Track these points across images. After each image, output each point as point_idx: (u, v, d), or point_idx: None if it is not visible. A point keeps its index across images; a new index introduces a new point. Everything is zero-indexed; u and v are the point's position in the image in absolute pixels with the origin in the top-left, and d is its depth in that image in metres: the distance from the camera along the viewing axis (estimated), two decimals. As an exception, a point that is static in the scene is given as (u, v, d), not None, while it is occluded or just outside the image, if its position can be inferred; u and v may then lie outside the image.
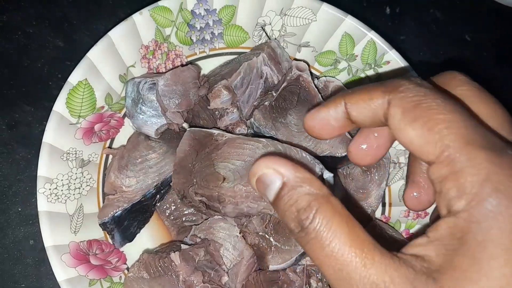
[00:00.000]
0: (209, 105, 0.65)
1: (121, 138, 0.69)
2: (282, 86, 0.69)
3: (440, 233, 0.32)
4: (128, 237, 0.64)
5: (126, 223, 0.63)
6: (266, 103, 0.68)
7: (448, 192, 0.32)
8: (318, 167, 0.56)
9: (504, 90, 0.86)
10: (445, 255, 0.31)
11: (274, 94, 0.69)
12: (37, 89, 0.77)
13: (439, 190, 0.33)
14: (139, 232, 0.66)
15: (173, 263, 0.57)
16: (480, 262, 0.30)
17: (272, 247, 0.60)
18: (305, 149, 0.62)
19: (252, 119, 0.68)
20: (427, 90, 0.35)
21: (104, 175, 0.67)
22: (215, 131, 0.62)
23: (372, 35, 0.69)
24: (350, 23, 0.69)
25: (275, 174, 0.36)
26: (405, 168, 0.71)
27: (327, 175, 0.57)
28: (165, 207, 0.68)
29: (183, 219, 0.68)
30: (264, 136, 0.65)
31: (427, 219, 0.67)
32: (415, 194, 0.45)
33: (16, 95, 0.77)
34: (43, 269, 0.70)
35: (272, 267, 0.60)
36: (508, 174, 0.30)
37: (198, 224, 0.65)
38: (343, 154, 0.65)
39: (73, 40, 0.81)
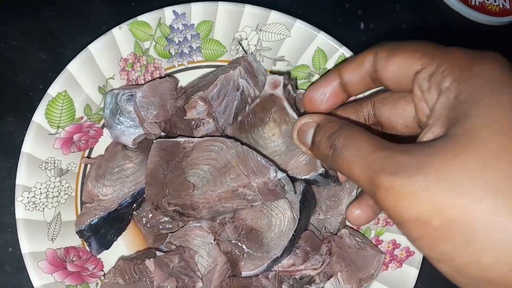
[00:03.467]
0: (186, 116, 0.67)
1: (100, 148, 0.71)
2: (256, 102, 0.70)
3: (437, 113, 0.39)
4: (105, 244, 0.66)
5: (102, 231, 0.64)
6: (239, 118, 0.70)
7: (436, 77, 0.40)
8: (272, 169, 0.59)
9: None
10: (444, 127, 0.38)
11: (247, 109, 0.70)
12: (19, 100, 0.79)
13: (426, 88, 0.41)
14: (116, 240, 0.67)
15: (147, 269, 0.59)
16: (472, 127, 0.35)
17: (245, 254, 0.62)
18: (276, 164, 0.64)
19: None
20: (404, 41, 0.46)
21: (83, 184, 0.68)
22: (181, 139, 0.64)
23: (344, 50, 0.72)
24: (323, 39, 0.72)
25: (310, 121, 0.52)
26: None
27: (280, 175, 0.59)
28: (142, 215, 0.69)
29: (160, 227, 0.69)
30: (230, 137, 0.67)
31: (395, 227, 0.70)
32: (356, 211, 0.57)
33: (-1, 105, 0.78)
34: (21, 276, 0.71)
35: (244, 273, 0.62)
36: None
37: (174, 232, 0.67)
38: (303, 177, 0.65)
39: (56, 53, 0.83)
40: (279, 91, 0.68)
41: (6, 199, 0.73)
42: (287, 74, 0.74)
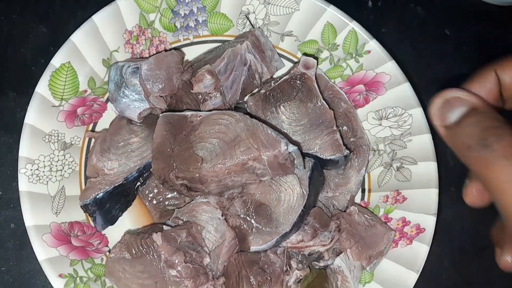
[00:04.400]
0: (192, 89, 0.66)
1: (104, 123, 0.69)
2: (284, 78, 0.69)
3: None
4: (110, 220, 0.65)
5: (108, 206, 0.63)
6: (262, 91, 0.69)
7: None
8: (283, 142, 0.57)
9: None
10: None
11: (273, 83, 0.69)
12: (20, 75, 0.77)
13: None
14: (121, 216, 0.66)
15: (155, 244, 0.57)
16: None
17: (253, 229, 0.61)
18: (290, 139, 0.64)
19: (245, 104, 0.69)
20: None
21: (87, 159, 0.67)
22: (188, 113, 0.63)
23: (354, 25, 0.70)
24: (332, 13, 0.70)
25: (466, 99, 0.42)
26: (384, 155, 0.72)
27: (291, 148, 0.58)
28: (147, 191, 0.68)
29: (166, 203, 0.68)
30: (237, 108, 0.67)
31: (405, 204, 0.69)
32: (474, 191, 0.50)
33: (-1, 80, 0.76)
34: (24, 252, 0.70)
35: (253, 248, 0.60)
36: None
37: (181, 208, 0.65)
38: (328, 157, 0.66)
39: (57, 27, 0.81)
40: (311, 72, 0.68)
41: (8, 174, 0.72)
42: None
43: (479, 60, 0.91)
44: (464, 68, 0.89)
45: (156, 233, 0.58)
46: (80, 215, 0.64)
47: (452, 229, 0.83)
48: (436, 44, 0.93)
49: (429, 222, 0.66)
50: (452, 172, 0.84)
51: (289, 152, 0.59)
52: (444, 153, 0.75)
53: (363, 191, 0.73)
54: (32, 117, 0.60)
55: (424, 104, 0.70)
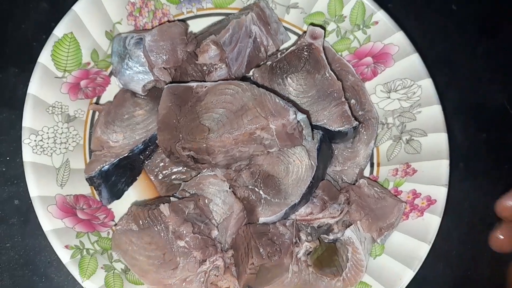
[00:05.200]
0: (197, 60, 0.64)
1: (107, 97, 0.68)
2: (290, 50, 0.68)
3: None
4: (116, 194, 0.63)
5: (113, 179, 0.62)
6: (268, 62, 0.68)
7: None
8: (292, 110, 0.56)
9: (486, 63, 0.87)
10: None
11: (279, 55, 0.68)
12: (21, 51, 0.76)
13: None
14: (127, 190, 0.65)
15: (162, 215, 0.56)
16: None
17: (262, 200, 0.60)
18: (298, 107, 0.62)
19: (252, 77, 0.68)
20: None
21: (91, 133, 0.66)
22: (194, 83, 0.61)
23: (361, -5, 0.69)
24: (339, -17, 0.69)
25: None
26: (393, 128, 0.71)
27: (300, 116, 0.57)
28: (153, 165, 0.67)
29: (172, 177, 0.67)
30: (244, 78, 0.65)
31: (415, 176, 0.68)
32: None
33: (0, 57, 0.75)
34: (28, 228, 0.69)
35: (262, 219, 0.59)
36: None
37: (187, 181, 0.64)
38: (337, 129, 0.65)
39: (58, 3, 0.79)
40: (319, 42, 0.67)
41: (11, 150, 0.71)
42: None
43: (482, 37, 0.89)
44: (468, 46, 0.88)
45: (164, 204, 0.57)
46: (85, 189, 0.63)
47: (460, 205, 0.82)
48: (442, 20, 0.91)
49: (441, 193, 0.64)
50: (460, 148, 0.83)
51: (298, 121, 0.57)
52: (452, 129, 0.74)
53: (371, 165, 0.72)
54: (35, 87, 0.59)
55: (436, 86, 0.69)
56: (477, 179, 0.83)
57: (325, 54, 0.69)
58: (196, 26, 0.73)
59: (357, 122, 0.65)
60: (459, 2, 0.91)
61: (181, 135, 0.60)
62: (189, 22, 0.73)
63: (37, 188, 0.57)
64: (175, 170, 0.67)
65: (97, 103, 0.67)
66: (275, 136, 0.58)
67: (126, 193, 0.65)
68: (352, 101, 0.72)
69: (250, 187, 0.60)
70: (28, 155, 0.57)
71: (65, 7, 0.77)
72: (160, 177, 0.67)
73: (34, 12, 0.78)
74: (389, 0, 0.89)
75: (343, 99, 0.66)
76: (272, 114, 0.57)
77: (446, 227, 0.67)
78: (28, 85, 0.60)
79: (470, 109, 0.85)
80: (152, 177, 0.67)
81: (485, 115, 0.86)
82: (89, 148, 0.65)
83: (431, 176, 0.66)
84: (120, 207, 0.65)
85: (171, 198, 0.59)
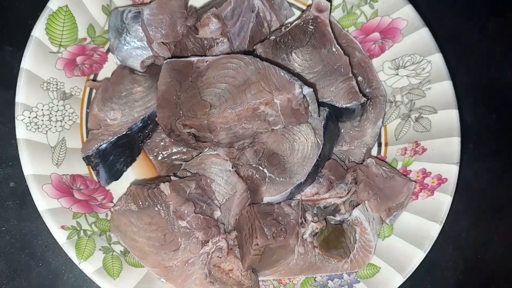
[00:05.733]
0: (198, 34, 0.62)
1: (105, 75, 0.66)
2: (295, 23, 0.65)
3: None
4: (115, 174, 0.61)
5: (111, 158, 0.59)
6: (271, 37, 0.65)
7: None
8: (297, 84, 0.54)
9: (496, 43, 0.84)
10: None
11: (283, 29, 0.65)
12: (16, 29, 0.73)
13: None
14: (125, 170, 0.63)
15: (163, 193, 0.54)
16: None
17: (266, 179, 0.58)
18: (304, 81, 0.60)
19: (255, 52, 0.65)
20: None
21: (88, 111, 0.63)
22: (194, 58, 0.59)
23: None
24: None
25: None
26: (402, 106, 0.69)
27: (307, 90, 0.54)
28: (153, 145, 0.65)
29: (172, 157, 0.65)
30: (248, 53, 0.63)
31: (424, 155, 0.65)
32: None
33: (-6, 35, 0.73)
34: (24, 211, 0.66)
35: (266, 199, 0.57)
36: None
37: (189, 161, 0.62)
38: (344, 106, 0.62)
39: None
40: (325, 15, 0.64)
41: (6, 131, 0.68)
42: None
43: (493, 17, 0.86)
44: (478, 26, 0.85)
45: (164, 183, 0.54)
46: (82, 169, 0.60)
47: (470, 188, 0.79)
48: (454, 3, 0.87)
49: (452, 172, 0.62)
50: (470, 129, 0.80)
51: (304, 96, 0.55)
52: (461, 110, 0.72)
53: (379, 145, 0.70)
54: (29, 62, 0.57)
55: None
56: (487, 161, 0.81)
57: (331, 28, 0.66)
58: (196, 2, 0.70)
59: (365, 99, 0.62)
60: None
61: (181, 112, 0.57)
62: (189, -1, 0.70)
63: (31, 166, 0.54)
64: (175, 150, 0.64)
65: (94, 80, 0.65)
66: (279, 112, 0.56)
67: (125, 174, 0.63)
68: (359, 78, 0.69)
69: (254, 165, 0.58)
70: (22, 132, 0.55)
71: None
72: (160, 158, 0.65)
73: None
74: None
75: (350, 75, 0.63)
76: (276, 88, 0.55)
77: (456, 210, 0.65)
78: (26, 45, 0.58)
79: (480, 88, 0.83)
80: (152, 158, 0.65)
81: (496, 94, 0.83)
82: (86, 127, 0.62)
83: (441, 154, 0.63)
84: (119, 188, 0.63)
85: (171, 177, 0.56)
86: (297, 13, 0.72)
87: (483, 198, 0.80)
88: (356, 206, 0.60)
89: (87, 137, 0.62)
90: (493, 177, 0.81)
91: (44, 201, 0.54)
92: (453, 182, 0.62)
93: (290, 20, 0.71)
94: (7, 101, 0.69)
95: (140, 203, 0.54)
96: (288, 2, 0.71)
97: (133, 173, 0.64)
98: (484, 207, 0.80)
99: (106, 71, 0.66)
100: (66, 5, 0.59)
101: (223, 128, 0.56)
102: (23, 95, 0.56)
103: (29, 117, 0.56)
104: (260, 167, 0.58)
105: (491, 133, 0.82)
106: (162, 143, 0.64)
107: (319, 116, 0.60)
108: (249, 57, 0.57)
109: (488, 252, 0.79)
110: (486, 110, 0.82)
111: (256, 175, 0.58)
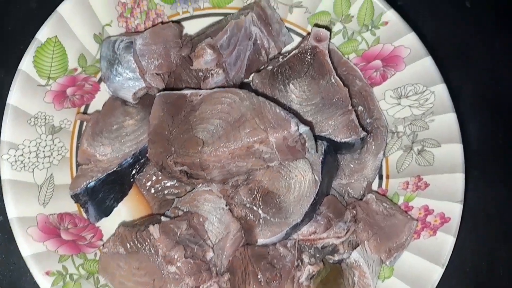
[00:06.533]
0: (192, 66, 0.59)
1: (97, 105, 0.64)
2: (293, 53, 0.63)
3: None
4: (104, 211, 0.59)
5: (101, 195, 0.57)
6: (269, 67, 0.63)
7: None
8: (293, 122, 0.51)
9: (504, 57, 0.82)
10: None
11: (281, 59, 0.63)
12: (8, 53, 0.72)
13: None
14: (116, 206, 0.61)
15: (151, 237, 0.52)
16: None
17: (261, 220, 0.55)
18: (301, 119, 0.58)
19: (251, 83, 0.63)
20: None
21: (78, 144, 0.61)
22: (188, 91, 0.57)
23: (370, -7, 0.64)
24: (346, -20, 0.63)
25: None
26: (404, 137, 0.66)
27: (303, 129, 0.52)
28: (145, 179, 0.62)
29: (165, 192, 0.62)
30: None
31: (427, 191, 0.63)
32: None
33: (-15, 60, 0.71)
34: (13, 247, 0.64)
35: (260, 241, 0.55)
36: None
37: (181, 197, 0.60)
38: (343, 140, 0.60)
39: (47, 2, 0.74)
40: (324, 45, 0.62)
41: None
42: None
43: (499, 32, 0.83)
44: (484, 41, 0.82)
45: (153, 225, 0.52)
46: (71, 206, 0.58)
47: (475, 215, 0.77)
48: (456, 14, 0.85)
49: (455, 211, 0.59)
50: (475, 155, 0.77)
51: (300, 134, 0.52)
52: (467, 134, 0.69)
53: (380, 177, 0.67)
54: (16, 97, 0.55)
55: (448, 81, 0.64)
56: (493, 186, 0.78)
57: (330, 58, 0.64)
58: (192, 27, 0.68)
59: (365, 133, 0.60)
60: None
61: (173, 148, 0.55)
62: (184, 23, 0.68)
63: (15, 208, 0.52)
64: (168, 184, 0.62)
65: (85, 112, 0.63)
66: (275, 150, 0.54)
67: (116, 208, 0.61)
68: (360, 108, 0.66)
69: (248, 205, 0.56)
70: (6, 172, 0.53)
71: (53, 7, 0.73)
72: (152, 191, 0.63)
73: (21, 10, 0.74)
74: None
75: (350, 107, 0.61)
76: (272, 125, 0.53)
77: (460, 239, 0.62)
78: (13, 79, 0.56)
79: (486, 107, 0.80)
80: (143, 191, 0.63)
81: (503, 113, 0.80)
82: (76, 160, 0.61)
83: (445, 191, 0.61)
84: (109, 224, 0.61)
85: (162, 218, 0.54)
86: (296, 38, 0.69)
87: (489, 226, 0.77)
88: (356, 247, 0.58)
89: (76, 171, 0.60)
90: (499, 204, 0.78)
91: (28, 246, 0.52)
92: (457, 222, 0.59)
93: (289, 47, 0.69)
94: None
95: (129, 246, 0.52)
96: (286, 27, 0.69)
97: (124, 208, 0.62)
98: (491, 236, 0.77)
99: (98, 101, 0.64)
100: (56, 36, 0.57)
101: (216, 166, 0.54)
102: (8, 132, 0.54)
103: (14, 156, 0.54)
104: (254, 207, 0.56)
105: (498, 155, 0.79)
106: (154, 177, 0.62)
107: (317, 152, 0.58)
108: (244, 92, 0.55)
109: (493, 281, 0.76)
110: (493, 131, 0.80)
111: (250, 216, 0.55)
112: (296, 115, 0.58)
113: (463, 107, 0.75)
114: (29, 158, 0.56)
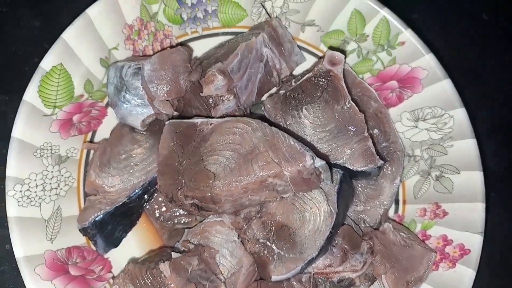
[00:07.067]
0: (202, 92, 0.57)
1: (104, 130, 0.62)
2: (306, 77, 0.61)
3: None
4: (113, 242, 0.58)
5: (109, 228, 0.56)
6: (281, 91, 0.61)
7: None
8: (309, 155, 0.49)
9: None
10: None
11: (293, 83, 0.61)
12: (11, 76, 0.70)
13: None
14: (125, 236, 0.59)
15: (162, 275, 0.50)
16: None
17: (275, 256, 0.53)
18: (314, 149, 0.55)
19: (263, 107, 0.61)
20: None
21: (85, 172, 0.59)
22: (198, 120, 0.55)
23: (385, 13, 0.61)
24: (361, -1, 0.61)
25: None
26: (421, 162, 0.64)
27: (319, 163, 0.50)
28: (154, 207, 0.61)
29: (175, 221, 0.61)
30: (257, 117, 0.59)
31: (446, 219, 0.60)
32: None
33: (-12, 83, 0.69)
34: (20, 277, 0.63)
35: (275, 277, 0.53)
36: None
37: (192, 227, 0.58)
38: (359, 169, 0.58)
39: (51, 20, 0.73)
40: (339, 69, 0.59)
41: (1, 189, 0.65)
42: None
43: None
44: (503, 56, 0.80)
45: (164, 262, 0.51)
46: (79, 238, 0.57)
47: (493, 239, 0.74)
48: (472, 29, 0.82)
49: (475, 242, 0.57)
50: (493, 176, 0.75)
51: (316, 167, 0.50)
52: (484, 155, 0.67)
53: (396, 202, 0.65)
54: (21, 129, 0.53)
55: (465, 101, 0.61)
56: (511, 208, 0.76)
57: (344, 78, 0.61)
58: (201, 47, 0.66)
59: (382, 162, 0.58)
60: (489, 9, 0.83)
61: (183, 181, 0.53)
62: (193, 43, 0.66)
63: (22, 247, 0.51)
64: (177, 213, 0.61)
65: (92, 138, 0.61)
66: (289, 182, 0.52)
67: (124, 238, 0.59)
68: (375, 131, 0.64)
69: (262, 240, 0.54)
70: (12, 209, 0.52)
71: (58, 25, 0.71)
72: (161, 220, 0.61)
73: (25, 30, 0.72)
74: (414, 10, 0.81)
75: (366, 134, 0.59)
76: (286, 159, 0.51)
77: (486, 269, 0.60)
78: (18, 111, 0.54)
79: (504, 127, 0.78)
80: (153, 220, 0.61)
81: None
82: (84, 190, 0.59)
83: (464, 221, 0.59)
84: (118, 254, 0.59)
85: (172, 253, 0.53)
86: (308, 57, 0.67)
87: (508, 250, 0.75)
88: (373, 281, 0.56)
89: (84, 201, 0.59)
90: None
91: (36, 286, 0.50)
92: (477, 254, 0.57)
93: (300, 66, 0.66)
94: (2, 155, 0.66)
95: (139, 284, 0.51)
96: (298, 46, 0.66)
97: (133, 237, 0.61)
98: (510, 261, 0.75)
99: (106, 126, 0.62)
100: (61, 63, 0.55)
101: (228, 200, 0.52)
102: (14, 167, 0.52)
103: (20, 191, 0.53)
104: (268, 242, 0.54)
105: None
106: (163, 205, 0.61)
107: (332, 182, 0.55)
108: (256, 122, 0.53)
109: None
110: (510, 153, 0.77)
111: (264, 252, 0.53)
112: (310, 146, 0.56)
113: (479, 125, 0.72)
114: (35, 192, 0.54)
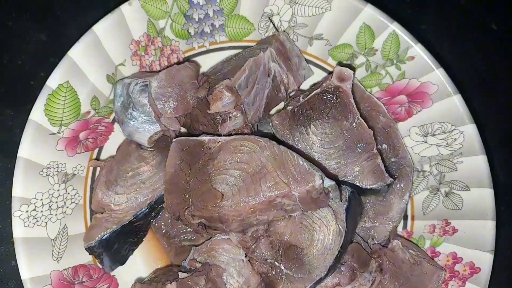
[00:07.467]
0: (209, 109, 0.57)
1: (111, 147, 0.62)
2: (314, 93, 0.60)
3: None
4: (120, 260, 0.57)
5: (116, 246, 0.55)
6: (289, 107, 0.60)
7: None
8: (318, 175, 0.49)
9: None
10: None
11: (301, 99, 0.60)
12: (18, 90, 0.69)
13: None
14: (131, 254, 0.59)
15: (169, 296, 0.50)
16: None
17: (283, 276, 0.53)
18: (322, 168, 0.55)
19: (270, 124, 0.61)
20: None
21: (92, 189, 0.59)
22: (205, 138, 0.54)
23: (395, 27, 0.60)
24: (370, 13, 0.60)
25: None
26: (430, 177, 0.63)
27: (328, 183, 0.49)
28: (161, 224, 0.60)
29: (181, 238, 0.60)
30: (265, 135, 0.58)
31: (455, 236, 0.60)
32: None
33: (-5, 96, 0.69)
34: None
35: (283, 298, 0.52)
36: None
37: (198, 245, 0.57)
38: (369, 187, 0.57)
39: (58, 34, 0.72)
40: (347, 85, 0.59)
41: (7, 205, 0.64)
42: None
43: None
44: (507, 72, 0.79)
45: (171, 282, 0.50)
46: (85, 257, 0.56)
47: (502, 254, 0.73)
48: (481, 39, 0.82)
49: (485, 261, 0.57)
50: (502, 189, 0.74)
51: (325, 187, 0.50)
52: (493, 167, 0.66)
53: (405, 218, 0.64)
54: (27, 149, 0.53)
55: (474, 112, 0.61)
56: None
57: (352, 93, 0.61)
58: (209, 61, 0.66)
59: (391, 179, 0.57)
60: (498, 20, 0.82)
61: (190, 200, 0.53)
62: (201, 57, 0.66)
63: (28, 269, 0.51)
64: (184, 230, 0.60)
65: (98, 155, 0.61)
66: (298, 202, 0.51)
67: (131, 256, 0.59)
68: (384, 146, 0.63)
69: (270, 260, 0.53)
70: (18, 230, 0.51)
71: (64, 39, 0.71)
72: (168, 237, 0.60)
73: (32, 45, 0.71)
74: (423, 21, 0.80)
75: (375, 151, 0.58)
76: (295, 179, 0.50)
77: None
78: (24, 130, 0.54)
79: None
80: (159, 236, 0.61)
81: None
82: (90, 207, 0.59)
83: (474, 239, 0.58)
84: (124, 272, 0.59)
85: (179, 273, 0.52)
86: (316, 70, 0.66)
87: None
88: (381, 300, 0.55)
89: (90, 218, 0.58)
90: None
91: (42, 309, 0.50)
92: (487, 273, 0.56)
93: (308, 82, 0.66)
94: (8, 170, 0.66)
95: (146, 305, 0.50)
96: (306, 60, 0.66)
97: (139, 254, 0.60)
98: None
99: (112, 142, 0.62)
100: (67, 81, 0.55)
101: (235, 220, 0.52)
102: (20, 187, 0.52)
103: (27, 211, 0.52)
104: (276, 262, 0.53)
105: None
106: (170, 223, 0.60)
107: (341, 201, 0.55)
108: (264, 140, 0.52)
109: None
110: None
111: (272, 272, 0.53)
112: (319, 163, 0.55)
113: (488, 136, 0.71)
114: (41, 211, 0.54)
